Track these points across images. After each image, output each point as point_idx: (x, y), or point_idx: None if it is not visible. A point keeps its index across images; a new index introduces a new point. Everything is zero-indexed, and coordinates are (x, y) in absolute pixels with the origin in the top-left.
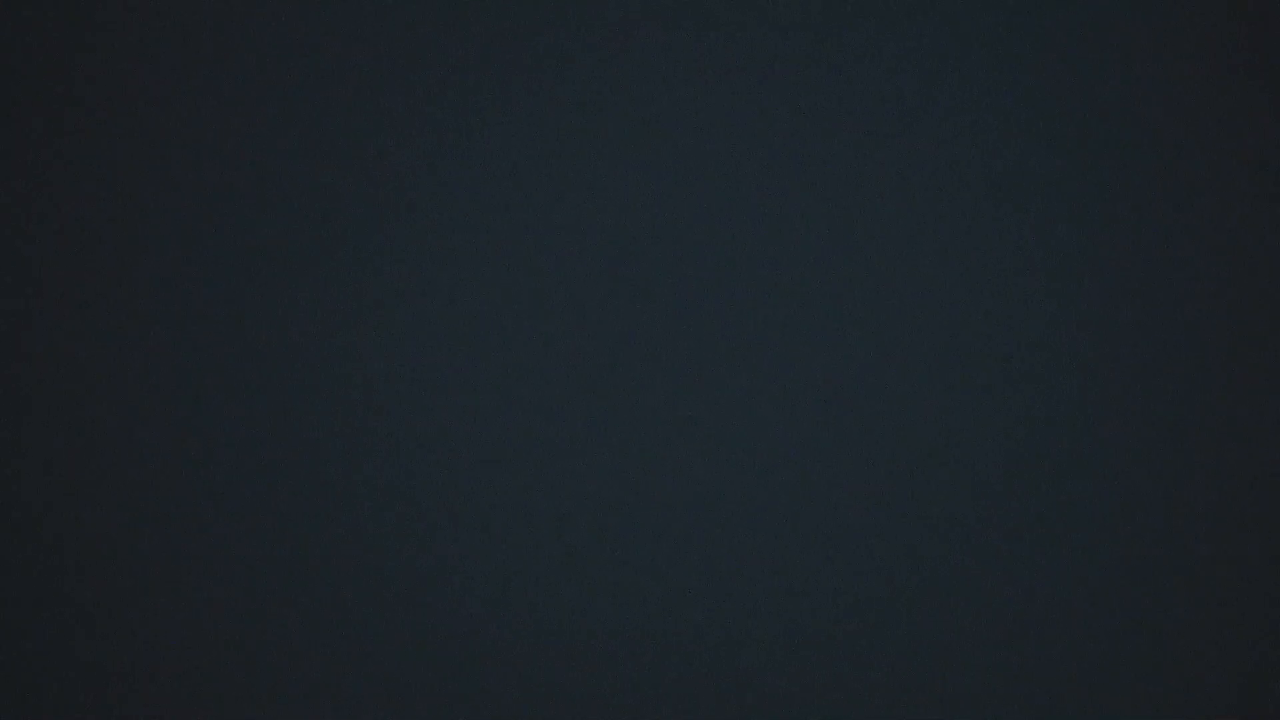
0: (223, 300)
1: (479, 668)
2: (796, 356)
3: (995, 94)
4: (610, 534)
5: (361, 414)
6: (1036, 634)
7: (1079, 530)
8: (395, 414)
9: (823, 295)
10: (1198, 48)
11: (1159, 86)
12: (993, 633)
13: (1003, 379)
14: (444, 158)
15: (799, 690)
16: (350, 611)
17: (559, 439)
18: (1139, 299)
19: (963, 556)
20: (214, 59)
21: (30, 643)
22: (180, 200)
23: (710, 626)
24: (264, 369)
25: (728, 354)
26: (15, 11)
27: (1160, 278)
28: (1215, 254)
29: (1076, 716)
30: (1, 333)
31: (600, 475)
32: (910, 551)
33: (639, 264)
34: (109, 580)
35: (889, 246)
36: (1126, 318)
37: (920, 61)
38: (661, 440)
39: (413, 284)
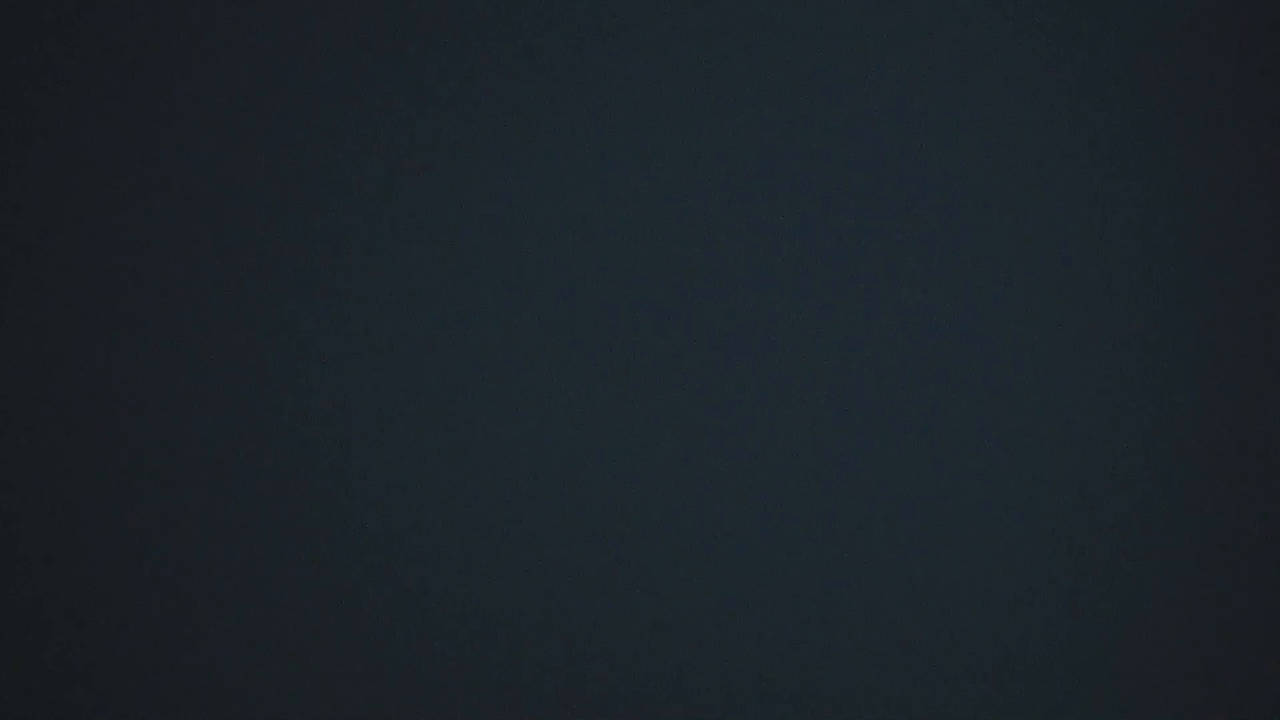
0: (215, 300)
1: (477, 669)
2: (793, 358)
3: (998, 95)
4: (609, 536)
5: (358, 415)
6: (1037, 636)
7: (1082, 531)
8: (392, 415)
9: (818, 296)
10: (1200, 48)
11: (1161, 87)
12: (993, 634)
13: (1003, 381)
14: (440, 157)
15: (798, 691)
16: (345, 614)
17: (558, 440)
18: (1143, 300)
19: (962, 557)
20: (209, 57)
21: (27, 644)
22: (175, 199)
23: (710, 629)
24: (258, 370)
25: (726, 356)
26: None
27: (1164, 279)
28: (1219, 254)
29: (1077, 716)
30: None
31: (598, 476)
32: (912, 553)
33: (637, 265)
34: (104, 581)
35: (891, 249)
36: (1130, 318)
37: (923, 62)
38: (659, 442)
39: (409, 284)
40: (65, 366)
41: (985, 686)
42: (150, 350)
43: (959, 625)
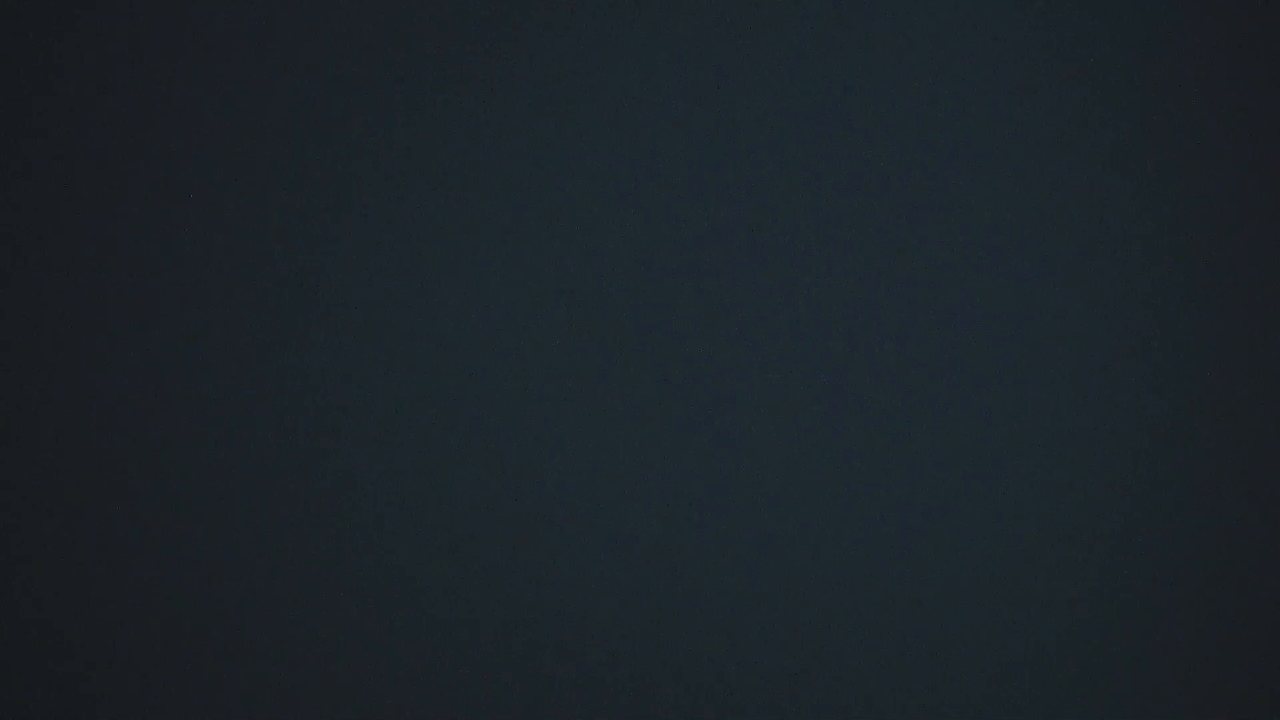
0: (216, 300)
1: (476, 669)
2: (796, 359)
3: (1001, 95)
4: (610, 537)
5: (358, 416)
6: (1038, 636)
7: (1083, 532)
8: (392, 415)
9: (822, 298)
10: (1200, 48)
11: (1161, 87)
12: (993, 634)
13: (1004, 382)
14: (442, 158)
15: (800, 691)
16: (345, 613)
17: (558, 441)
18: (1143, 300)
19: (963, 558)
20: (209, 57)
21: (25, 647)
22: (175, 200)
23: (708, 629)
24: (256, 370)
25: (729, 358)
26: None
27: (1164, 279)
28: (1219, 254)
29: (1077, 716)
30: None
31: (599, 477)
32: (913, 554)
33: (640, 266)
34: (104, 582)
35: (893, 251)
36: (1130, 318)
37: (924, 63)
38: (661, 443)
39: (409, 284)
40: (65, 366)
41: (985, 686)
42: (151, 350)
43: (959, 625)
